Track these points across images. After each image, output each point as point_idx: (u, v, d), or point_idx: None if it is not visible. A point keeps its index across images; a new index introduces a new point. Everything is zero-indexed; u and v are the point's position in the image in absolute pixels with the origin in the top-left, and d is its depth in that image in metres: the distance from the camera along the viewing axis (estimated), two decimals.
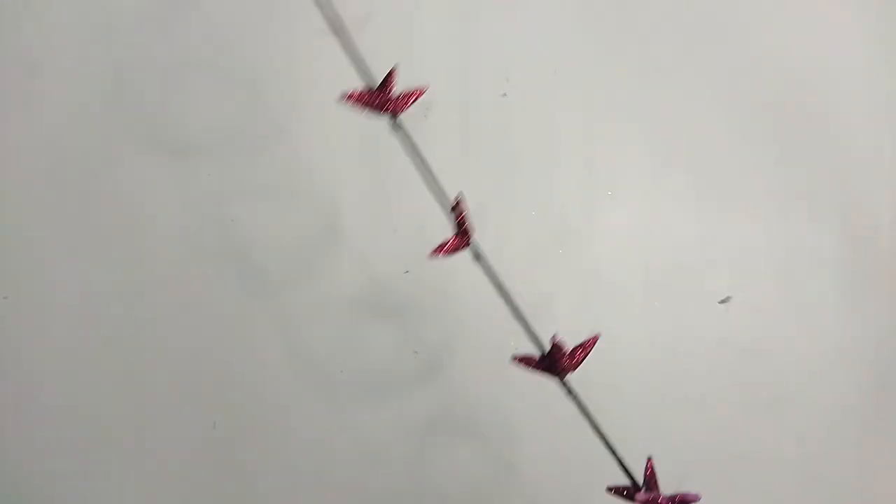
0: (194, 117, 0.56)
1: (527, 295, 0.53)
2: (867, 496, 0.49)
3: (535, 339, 0.43)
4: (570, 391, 0.43)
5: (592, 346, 0.42)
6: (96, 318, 0.54)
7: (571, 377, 0.46)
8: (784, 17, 0.54)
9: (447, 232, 0.54)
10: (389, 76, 0.42)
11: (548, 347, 0.43)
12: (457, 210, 0.43)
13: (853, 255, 0.52)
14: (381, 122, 0.55)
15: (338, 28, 0.43)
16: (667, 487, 0.43)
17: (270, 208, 0.55)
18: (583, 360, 0.42)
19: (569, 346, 0.42)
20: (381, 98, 0.42)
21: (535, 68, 0.55)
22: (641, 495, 0.41)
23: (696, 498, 0.40)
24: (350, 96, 0.42)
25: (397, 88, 0.42)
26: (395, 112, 0.43)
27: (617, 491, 0.42)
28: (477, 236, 0.53)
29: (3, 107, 0.56)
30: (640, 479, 0.42)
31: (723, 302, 0.52)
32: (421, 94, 0.42)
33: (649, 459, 0.42)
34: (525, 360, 0.43)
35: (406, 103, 0.42)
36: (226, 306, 0.53)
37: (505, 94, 0.55)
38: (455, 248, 0.43)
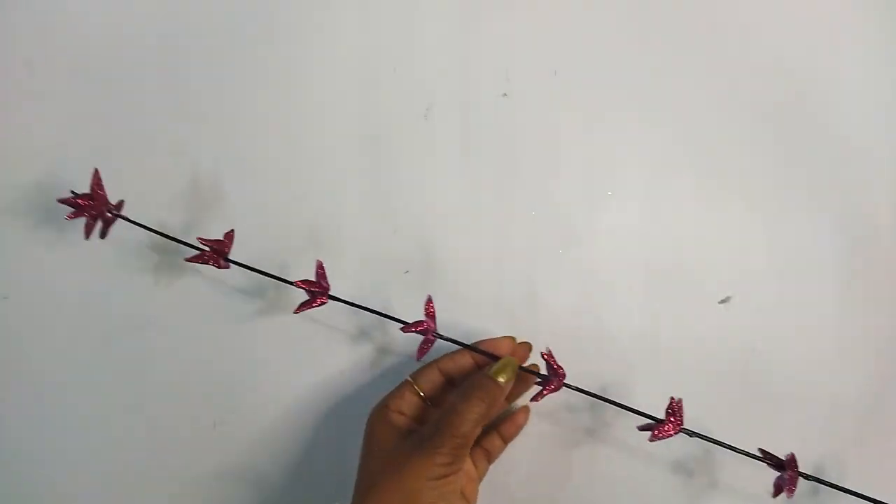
0: (192, 113, 0.56)
1: (526, 295, 0.53)
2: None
3: None
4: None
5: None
6: (97, 318, 0.54)
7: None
8: (784, 16, 0.54)
9: (447, 232, 0.54)
10: None
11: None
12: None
13: (853, 255, 0.52)
14: (381, 123, 0.55)
15: None
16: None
17: (270, 208, 0.55)
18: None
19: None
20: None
21: (535, 68, 0.55)
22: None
23: None
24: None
25: None
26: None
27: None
28: (476, 237, 0.53)
29: (4, 106, 0.56)
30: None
31: (723, 302, 0.52)
32: None
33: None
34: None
35: None
36: (226, 304, 0.53)
37: (505, 94, 0.55)
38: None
